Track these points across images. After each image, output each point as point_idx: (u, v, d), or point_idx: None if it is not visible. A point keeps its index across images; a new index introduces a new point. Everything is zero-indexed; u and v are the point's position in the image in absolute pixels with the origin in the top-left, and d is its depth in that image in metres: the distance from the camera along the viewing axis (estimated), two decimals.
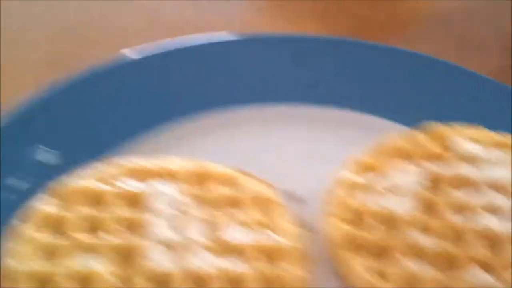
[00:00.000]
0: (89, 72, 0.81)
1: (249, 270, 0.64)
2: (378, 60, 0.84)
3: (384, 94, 0.81)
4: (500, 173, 0.71)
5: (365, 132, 0.78)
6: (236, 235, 0.66)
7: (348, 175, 0.72)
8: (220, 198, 0.69)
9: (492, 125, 0.76)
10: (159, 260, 0.64)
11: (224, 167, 0.72)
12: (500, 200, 0.69)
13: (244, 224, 0.67)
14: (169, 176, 0.70)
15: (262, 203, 0.69)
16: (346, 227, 0.68)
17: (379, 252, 0.67)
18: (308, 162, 0.77)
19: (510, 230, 0.66)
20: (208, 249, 0.65)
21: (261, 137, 0.79)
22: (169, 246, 0.65)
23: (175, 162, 0.71)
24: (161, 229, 0.66)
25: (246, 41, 0.84)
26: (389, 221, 0.68)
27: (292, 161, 0.77)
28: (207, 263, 0.64)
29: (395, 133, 0.76)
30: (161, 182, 0.69)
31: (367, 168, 0.73)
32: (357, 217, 0.69)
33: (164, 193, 0.68)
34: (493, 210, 0.68)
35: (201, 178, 0.70)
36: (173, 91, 0.80)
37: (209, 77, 0.82)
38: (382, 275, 0.65)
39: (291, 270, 0.64)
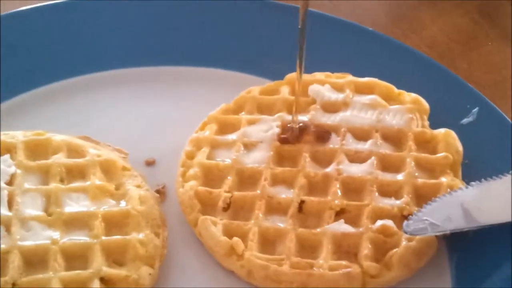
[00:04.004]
0: None
1: (93, 241, 0.59)
2: (236, 14, 0.79)
3: (245, 49, 0.77)
4: (362, 119, 0.67)
5: (228, 88, 0.73)
6: (77, 206, 0.61)
7: (202, 133, 0.68)
8: (60, 168, 0.63)
9: (357, 72, 0.73)
10: None
11: (68, 137, 0.66)
12: (361, 146, 0.66)
13: (86, 193, 0.62)
14: (6, 150, 0.64)
15: (109, 170, 0.64)
16: (198, 187, 0.63)
17: (236, 210, 0.63)
18: (166, 124, 0.71)
19: (370, 175, 0.63)
20: (46, 223, 0.59)
21: (114, 103, 0.73)
22: (3, 223, 0.59)
23: (14, 135, 0.65)
24: None
25: (92, 4, 0.78)
26: (244, 175, 0.64)
27: (148, 125, 0.71)
28: (46, 238, 0.58)
29: (255, 87, 0.72)
30: None
31: (222, 124, 0.68)
32: (209, 175, 0.64)
33: None
34: (354, 156, 0.65)
35: (41, 149, 0.65)
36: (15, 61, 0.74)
37: (50, 44, 0.76)
38: (242, 235, 0.61)
39: (143, 237, 0.60)
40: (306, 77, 0.72)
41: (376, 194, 0.62)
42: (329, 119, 0.68)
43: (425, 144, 0.66)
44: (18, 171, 0.63)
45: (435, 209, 0.59)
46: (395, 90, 0.71)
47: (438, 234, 0.59)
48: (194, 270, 0.61)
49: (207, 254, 0.62)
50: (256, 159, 0.65)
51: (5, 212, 0.60)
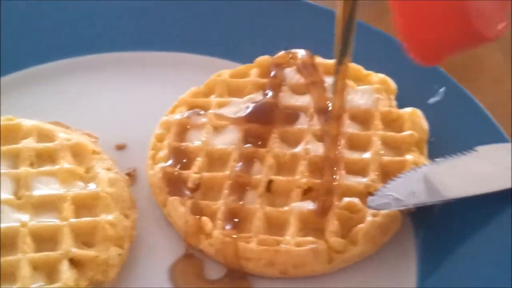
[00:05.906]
0: None
1: (62, 223, 0.59)
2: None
3: (215, 33, 0.77)
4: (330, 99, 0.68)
5: (199, 73, 0.73)
6: (47, 189, 0.61)
7: (171, 115, 0.68)
8: (30, 152, 0.64)
9: (326, 53, 0.73)
10: None
11: (38, 122, 0.67)
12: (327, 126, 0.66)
13: (56, 176, 0.62)
14: None
15: (79, 154, 0.65)
16: (167, 168, 0.64)
17: (205, 190, 0.63)
18: (137, 109, 0.72)
19: (338, 154, 0.64)
20: (15, 206, 0.60)
21: (84, 89, 0.74)
22: None
23: None
24: None
25: None
26: (214, 156, 0.65)
27: (119, 110, 0.72)
28: (15, 221, 0.59)
29: (225, 70, 0.73)
30: None
31: (192, 107, 0.69)
32: (178, 157, 0.65)
33: None
34: (322, 136, 0.65)
35: (12, 134, 0.65)
36: None
37: (19, 31, 0.76)
38: (210, 215, 0.61)
39: (112, 219, 0.60)
40: (277, 59, 0.72)
41: (343, 172, 0.63)
42: (297, 100, 0.69)
43: (392, 123, 0.67)
44: None
45: (399, 184, 0.60)
46: (363, 71, 0.72)
47: (401, 208, 0.60)
48: (163, 250, 0.62)
49: (176, 235, 0.63)
50: (226, 140, 0.66)
51: None
